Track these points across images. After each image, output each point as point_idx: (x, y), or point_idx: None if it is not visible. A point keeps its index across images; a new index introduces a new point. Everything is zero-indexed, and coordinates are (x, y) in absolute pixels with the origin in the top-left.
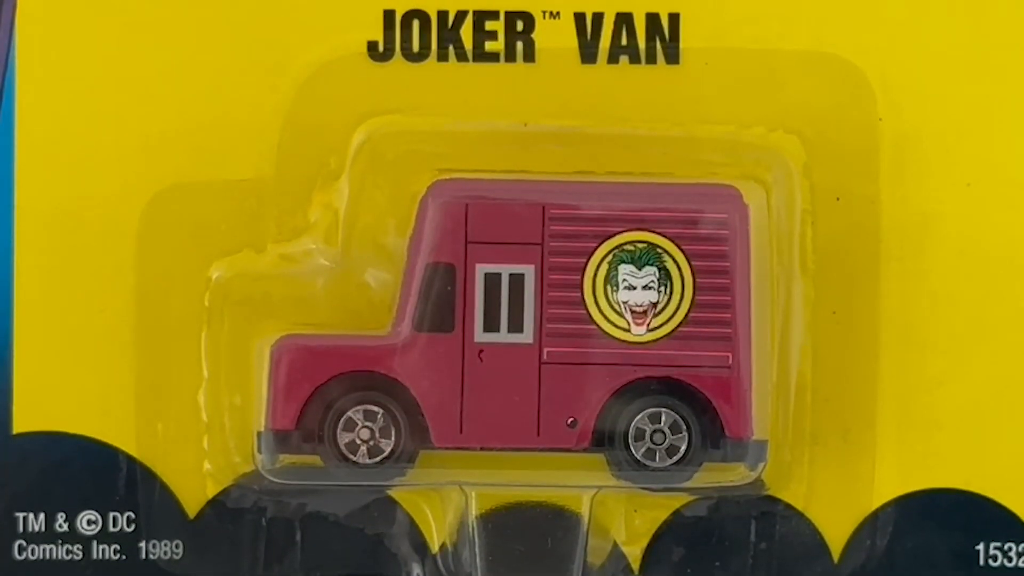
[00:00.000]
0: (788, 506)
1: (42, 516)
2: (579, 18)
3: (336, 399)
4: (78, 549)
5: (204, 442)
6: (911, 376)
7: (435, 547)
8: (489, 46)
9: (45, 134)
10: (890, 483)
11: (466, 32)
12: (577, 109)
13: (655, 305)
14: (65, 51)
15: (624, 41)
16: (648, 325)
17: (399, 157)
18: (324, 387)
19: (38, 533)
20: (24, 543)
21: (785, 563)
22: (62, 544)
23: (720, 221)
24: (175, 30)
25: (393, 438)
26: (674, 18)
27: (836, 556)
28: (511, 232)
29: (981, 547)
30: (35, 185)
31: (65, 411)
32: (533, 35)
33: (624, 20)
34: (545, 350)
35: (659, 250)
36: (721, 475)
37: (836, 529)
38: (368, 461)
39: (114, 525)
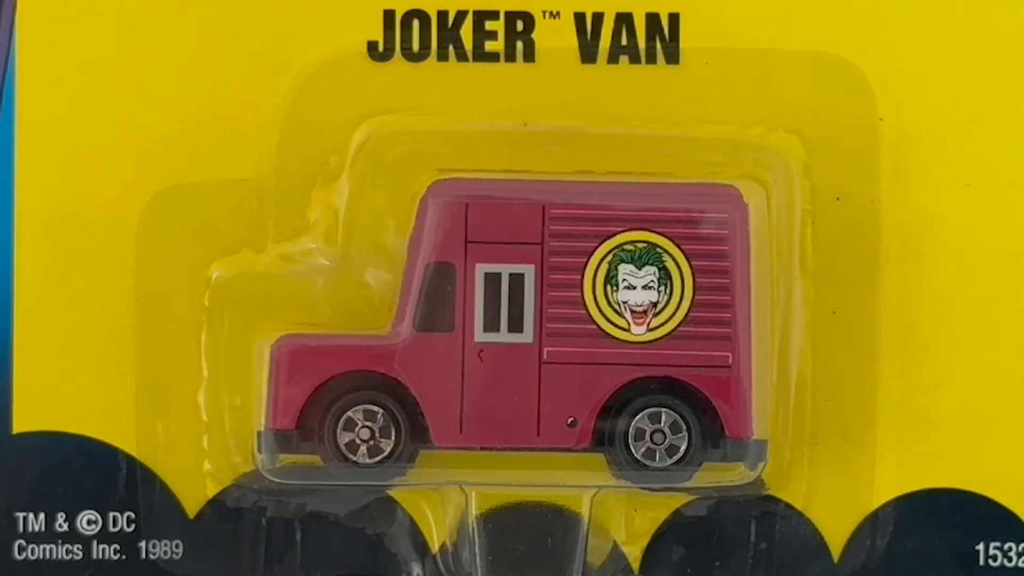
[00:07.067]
0: (788, 506)
1: (42, 516)
2: (579, 18)
3: (336, 399)
4: (78, 549)
5: (204, 442)
6: (911, 376)
7: (435, 547)
8: (489, 46)
9: (45, 134)
10: (890, 483)
11: (466, 32)
12: (577, 109)
13: (655, 305)
14: (65, 51)
15: (624, 41)
16: (648, 325)
17: (399, 157)
18: (324, 387)
19: (38, 533)
20: (24, 543)
21: (785, 563)
22: (62, 544)
23: (720, 221)
24: (175, 30)
25: (393, 438)
26: (674, 18)
27: (836, 556)
28: (511, 232)
29: (981, 547)
30: (35, 185)
31: (65, 411)
32: (533, 35)
33: (624, 20)
34: (545, 350)
35: (659, 250)
36: (721, 475)
37: (836, 529)
38: (368, 461)
39: (114, 525)
